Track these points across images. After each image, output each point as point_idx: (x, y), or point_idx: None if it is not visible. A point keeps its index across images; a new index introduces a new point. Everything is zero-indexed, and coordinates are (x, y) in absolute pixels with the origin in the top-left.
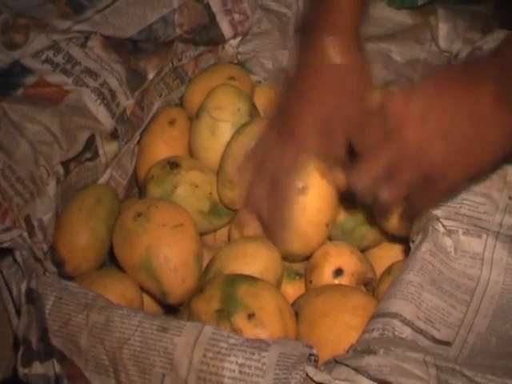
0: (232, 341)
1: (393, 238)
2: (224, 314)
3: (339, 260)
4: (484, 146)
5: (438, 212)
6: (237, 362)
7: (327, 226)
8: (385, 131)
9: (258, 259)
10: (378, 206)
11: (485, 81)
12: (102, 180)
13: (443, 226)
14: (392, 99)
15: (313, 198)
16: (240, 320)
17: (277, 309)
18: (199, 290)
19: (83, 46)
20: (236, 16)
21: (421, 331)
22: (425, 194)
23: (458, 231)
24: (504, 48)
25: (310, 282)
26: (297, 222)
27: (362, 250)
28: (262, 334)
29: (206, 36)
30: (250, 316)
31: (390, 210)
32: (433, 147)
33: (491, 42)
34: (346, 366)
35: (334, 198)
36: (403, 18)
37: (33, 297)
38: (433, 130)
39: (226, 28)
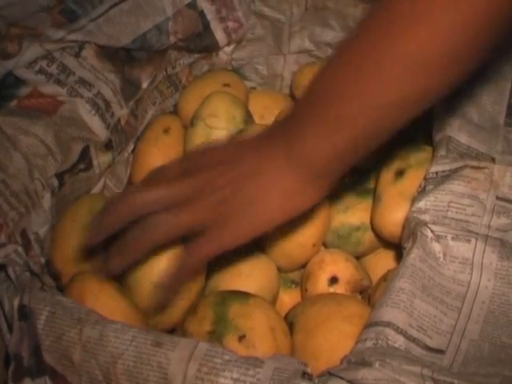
0: (227, 357)
1: (388, 245)
2: (215, 336)
3: (334, 268)
4: (268, 205)
5: (425, 217)
6: (232, 378)
7: (314, 246)
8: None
9: (253, 279)
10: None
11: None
12: (96, 190)
13: (432, 231)
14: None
15: (299, 220)
16: (231, 342)
17: (269, 329)
18: (193, 309)
19: (77, 55)
20: (230, 24)
21: (414, 339)
22: (201, 244)
23: (446, 236)
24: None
25: (306, 290)
26: (282, 243)
27: (358, 257)
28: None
29: (200, 43)
30: (241, 338)
31: None
32: (222, 192)
33: None
34: (341, 378)
35: (321, 218)
36: None
37: (25, 313)
38: (218, 182)
39: (220, 35)
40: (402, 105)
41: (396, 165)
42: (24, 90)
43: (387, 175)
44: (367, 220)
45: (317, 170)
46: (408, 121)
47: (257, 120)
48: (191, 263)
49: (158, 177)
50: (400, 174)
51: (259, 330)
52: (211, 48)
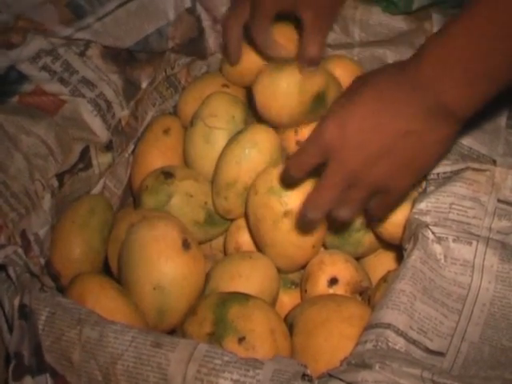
0: (226, 358)
1: (388, 246)
2: (215, 338)
3: (334, 269)
4: (423, 157)
5: (427, 219)
6: (231, 379)
7: (314, 247)
8: (323, 158)
9: (253, 281)
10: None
11: (403, 103)
12: (96, 190)
13: (433, 233)
14: (326, 126)
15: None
16: (231, 344)
17: (268, 330)
18: (192, 310)
19: (82, 54)
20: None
21: (414, 342)
22: (378, 205)
23: (447, 238)
24: (415, 62)
25: (305, 291)
26: (281, 244)
27: (358, 258)
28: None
29: (193, 48)
30: (241, 340)
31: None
32: (375, 166)
33: None
34: (341, 380)
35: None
36: (398, 23)
37: (25, 312)
38: (372, 150)
39: (212, 42)
40: None
41: None
42: (27, 87)
43: None
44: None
45: (461, 113)
46: None
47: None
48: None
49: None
50: None
51: (259, 332)
52: (203, 53)
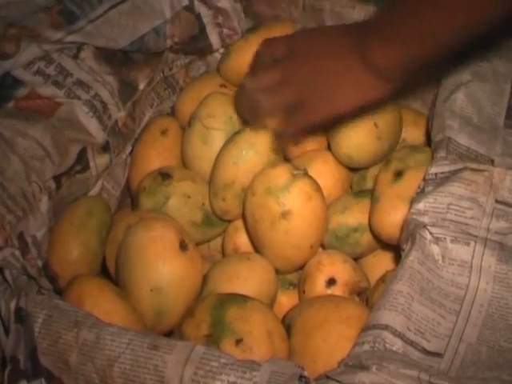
0: (223, 360)
1: (387, 246)
2: (212, 340)
3: (332, 269)
4: (340, 96)
5: (425, 219)
6: (228, 381)
7: (311, 247)
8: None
9: (251, 283)
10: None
11: (345, 41)
12: (93, 192)
13: (430, 233)
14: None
15: (296, 222)
16: (228, 345)
17: (266, 332)
18: (190, 312)
19: (75, 57)
20: (225, 30)
21: (411, 343)
22: (293, 117)
23: (445, 239)
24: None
25: (303, 292)
26: (279, 244)
27: (356, 258)
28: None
29: (195, 46)
30: (238, 341)
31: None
32: (305, 78)
33: None
34: (338, 382)
35: (318, 220)
36: None
37: (22, 316)
38: (309, 67)
39: (214, 39)
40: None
41: (394, 165)
42: (22, 91)
43: (386, 176)
44: (365, 221)
45: (385, 70)
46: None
47: None
48: (288, 130)
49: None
50: (399, 174)
51: (256, 334)
52: (205, 50)
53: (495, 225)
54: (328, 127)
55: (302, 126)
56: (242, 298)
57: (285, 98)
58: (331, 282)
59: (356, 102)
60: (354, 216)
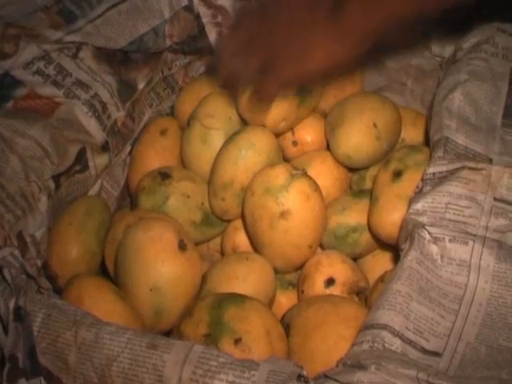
0: (222, 359)
1: (386, 246)
2: (211, 339)
3: (331, 269)
4: (309, 53)
5: (423, 219)
6: (227, 380)
7: (310, 247)
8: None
9: (250, 283)
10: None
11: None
12: (92, 191)
13: (429, 233)
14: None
15: (295, 222)
16: (227, 345)
17: (264, 332)
18: (189, 312)
19: (74, 57)
20: (225, 30)
21: (410, 342)
22: (266, 78)
23: (444, 238)
24: None
25: (302, 291)
26: (278, 244)
27: (355, 258)
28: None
29: (194, 45)
30: (237, 341)
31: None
32: (274, 35)
33: (472, 38)
34: (336, 381)
35: (317, 220)
36: None
37: (21, 315)
38: (278, 23)
39: (214, 39)
40: None
41: (393, 165)
42: (21, 91)
43: (384, 176)
44: (364, 221)
45: (353, 33)
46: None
47: None
48: (266, 88)
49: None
50: (398, 175)
51: (255, 334)
52: (205, 50)
53: (494, 223)
54: (304, 85)
55: (274, 86)
56: (241, 298)
57: (254, 59)
58: (330, 281)
59: (323, 61)
60: (353, 216)
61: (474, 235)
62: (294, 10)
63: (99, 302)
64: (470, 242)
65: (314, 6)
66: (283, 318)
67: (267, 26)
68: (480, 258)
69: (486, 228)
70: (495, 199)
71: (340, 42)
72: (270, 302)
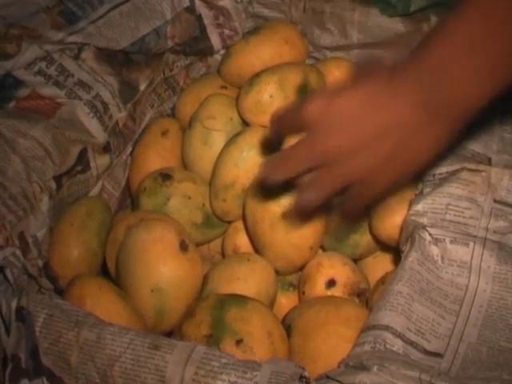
0: (224, 360)
1: (387, 247)
2: (213, 340)
3: (332, 271)
4: (412, 154)
5: (424, 220)
6: (229, 381)
7: (311, 248)
8: (302, 128)
9: (251, 284)
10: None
11: (403, 90)
12: (94, 192)
13: (430, 234)
14: (311, 98)
15: (296, 223)
16: (228, 346)
17: (266, 333)
18: (190, 312)
19: (76, 57)
20: (226, 31)
21: (412, 343)
22: (353, 199)
23: (444, 240)
24: (421, 49)
25: (303, 293)
26: (279, 245)
27: (356, 260)
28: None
29: (196, 47)
30: (238, 342)
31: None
32: (356, 154)
33: None
34: (338, 382)
35: (318, 221)
36: (396, 25)
37: (23, 314)
38: (352, 138)
39: (215, 40)
40: None
41: None
42: (23, 92)
43: None
44: (365, 222)
45: (456, 115)
46: None
47: None
48: (357, 203)
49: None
50: None
51: (257, 335)
52: (206, 51)
53: (494, 224)
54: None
55: (364, 204)
56: (243, 299)
57: (332, 185)
58: (331, 283)
59: (431, 156)
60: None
61: (475, 236)
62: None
63: (101, 302)
64: (471, 244)
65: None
66: (284, 319)
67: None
68: (481, 260)
69: (486, 229)
70: (495, 201)
71: (443, 129)
72: (271, 303)
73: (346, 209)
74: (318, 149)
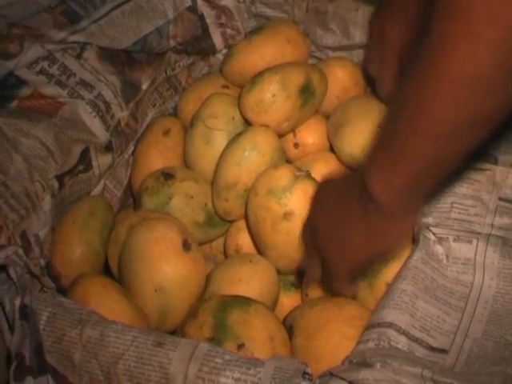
0: (227, 357)
1: None
2: (215, 343)
3: None
4: (352, 248)
5: (428, 220)
6: (232, 377)
7: None
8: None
9: (253, 286)
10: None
11: (353, 191)
12: (96, 191)
13: (433, 234)
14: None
15: (297, 223)
16: (229, 349)
17: (268, 338)
18: (193, 313)
19: (78, 57)
20: (228, 30)
21: (416, 340)
22: (325, 278)
23: (448, 238)
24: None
25: (306, 295)
26: (281, 245)
27: None
28: None
29: (198, 46)
30: (240, 346)
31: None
32: (318, 234)
33: None
34: (342, 379)
35: None
36: None
37: (27, 312)
38: (318, 223)
39: (217, 39)
40: (464, 129)
41: None
42: (25, 91)
43: None
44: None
45: (389, 207)
46: (473, 146)
47: None
48: (330, 283)
49: None
50: None
51: (258, 339)
52: (208, 51)
53: (499, 221)
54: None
55: (336, 283)
56: (245, 302)
57: (314, 268)
58: None
59: (370, 257)
60: None
61: (479, 233)
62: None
63: (105, 301)
64: (474, 241)
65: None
66: (285, 318)
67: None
68: (484, 256)
69: (492, 226)
70: (500, 199)
71: (381, 225)
72: (274, 304)
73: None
74: (312, 243)
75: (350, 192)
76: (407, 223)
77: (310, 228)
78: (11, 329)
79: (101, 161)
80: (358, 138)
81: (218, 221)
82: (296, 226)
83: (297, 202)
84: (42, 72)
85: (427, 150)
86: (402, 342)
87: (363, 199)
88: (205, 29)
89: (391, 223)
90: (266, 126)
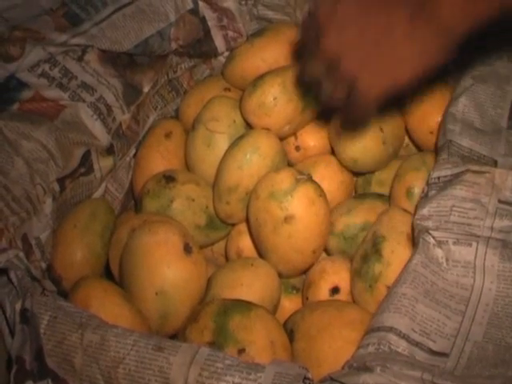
0: (228, 362)
1: None
2: (215, 347)
3: (336, 278)
4: (396, 63)
5: (428, 223)
6: (233, 382)
7: (314, 252)
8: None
9: (255, 290)
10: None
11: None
12: (97, 194)
13: (433, 237)
14: (320, 6)
15: (299, 226)
16: (230, 354)
17: (269, 343)
18: (194, 317)
19: (80, 59)
20: (230, 33)
21: (417, 344)
22: (351, 106)
23: (448, 241)
24: None
25: (307, 298)
26: (282, 249)
27: None
28: None
29: (200, 49)
30: (240, 351)
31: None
32: (348, 55)
33: None
34: (342, 383)
35: (321, 225)
36: None
37: (27, 316)
38: (349, 40)
39: (219, 42)
40: None
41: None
42: (26, 94)
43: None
44: (371, 219)
45: (446, 34)
46: None
47: None
48: (359, 106)
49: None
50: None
51: (259, 344)
52: (210, 54)
53: (499, 224)
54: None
55: (363, 109)
56: (246, 306)
57: (339, 86)
58: (335, 290)
59: (415, 71)
60: (360, 215)
61: (478, 236)
62: (372, 15)
63: (106, 304)
64: (474, 244)
65: (394, 6)
66: (286, 322)
67: (346, 40)
68: (484, 259)
69: (491, 229)
70: (500, 201)
71: (433, 45)
72: (275, 308)
73: (345, 114)
74: (322, 45)
75: (391, 6)
76: (450, 47)
77: (331, 50)
78: (12, 332)
79: (102, 164)
80: (359, 141)
81: (219, 224)
82: (297, 229)
83: (298, 205)
84: (43, 75)
85: None
86: (402, 346)
87: (417, 12)
88: (206, 31)
89: (437, 42)
90: (268, 129)
